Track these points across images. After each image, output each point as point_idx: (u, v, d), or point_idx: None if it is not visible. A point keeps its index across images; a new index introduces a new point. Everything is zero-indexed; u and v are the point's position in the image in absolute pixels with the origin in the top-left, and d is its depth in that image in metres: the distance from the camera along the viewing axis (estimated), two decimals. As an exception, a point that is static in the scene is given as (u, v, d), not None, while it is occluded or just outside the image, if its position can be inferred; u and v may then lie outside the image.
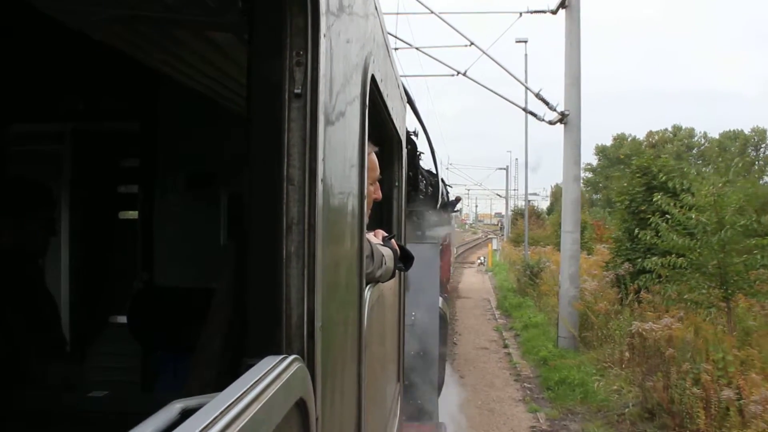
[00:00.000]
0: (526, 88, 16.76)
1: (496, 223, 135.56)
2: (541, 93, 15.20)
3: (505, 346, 17.26)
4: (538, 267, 25.01)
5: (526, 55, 31.73)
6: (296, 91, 1.34)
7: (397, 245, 2.95)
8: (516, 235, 54.24)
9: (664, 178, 14.65)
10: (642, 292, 14.37)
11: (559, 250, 33.78)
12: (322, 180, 1.40)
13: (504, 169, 68.20)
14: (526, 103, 19.88)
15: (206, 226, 4.49)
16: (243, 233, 1.38)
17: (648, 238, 13.23)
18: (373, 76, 2.18)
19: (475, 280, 37.16)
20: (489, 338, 18.60)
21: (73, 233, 4.56)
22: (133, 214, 4.69)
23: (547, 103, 15.18)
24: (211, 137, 4.20)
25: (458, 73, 16.47)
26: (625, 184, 17.96)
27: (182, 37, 2.55)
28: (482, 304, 25.80)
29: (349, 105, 1.81)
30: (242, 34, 2.54)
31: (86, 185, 4.62)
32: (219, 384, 1.72)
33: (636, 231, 14.48)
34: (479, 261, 43.56)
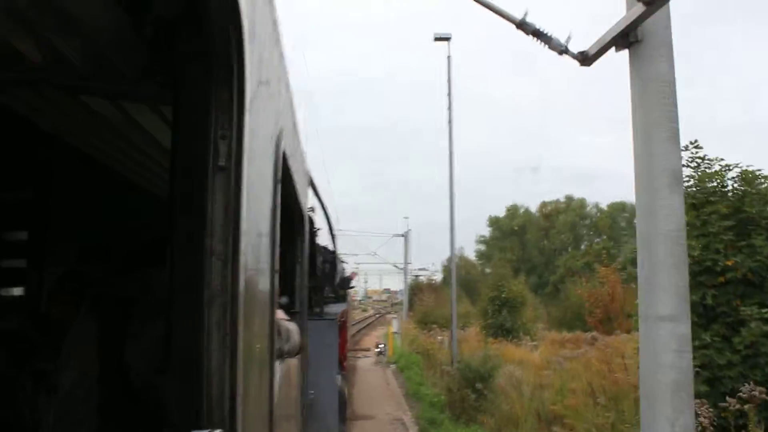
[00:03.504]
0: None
1: (385, 299, 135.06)
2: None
3: None
4: (486, 371, 15.52)
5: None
6: (220, 163, 1.36)
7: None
8: (422, 314, 44.67)
9: None
10: None
11: (491, 335, 28.15)
12: (243, 253, 1.41)
13: (402, 235, 61.13)
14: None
15: None
16: (166, 305, 1.36)
17: None
18: (284, 152, 2.22)
19: (375, 381, 24.53)
20: None
21: None
22: (18, 291, 4.41)
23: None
24: (108, 208, 4.08)
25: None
26: (696, 219, 8.97)
27: (93, 105, 2.52)
28: (395, 436, 14.57)
29: (266, 179, 1.84)
30: (156, 105, 2.56)
31: None
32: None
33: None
34: (378, 349, 32.44)
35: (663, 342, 5.17)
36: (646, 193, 5.46)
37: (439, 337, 29.77)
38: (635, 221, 5.88)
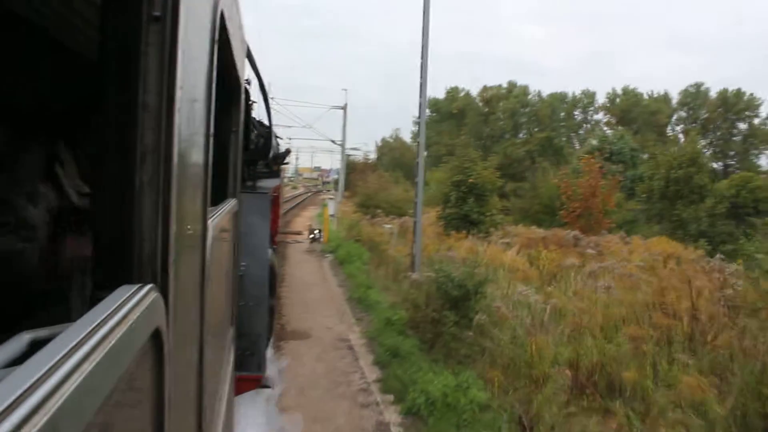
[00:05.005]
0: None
1: (316, 177, 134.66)
2: None
3: None
4: (474, 286, 10.59)
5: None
6: (155, 13, 1.29)
7: None
8: (365, 197, 39.34)
9: None
10: None
11: (453, 228, 24.25)
12: (178, 109, 1.37)
13: (341, 108, 53.93)
14: None
15: None
16: (96, 161, 1.33)
17: None
18: (222, 12, 2.12)
19: (309, 277, 19.30)
20: None
21: None
22: None
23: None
24: (33, 70, 3.86)
25: None
26: None
27: None
28: (342, 367, 10.36)
29: (203, 37, 1.77)
30: None
31: None
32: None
33: None
34: (312, 235, 26.98)
35: None
36: None
37: (387, 226, 26.51)
38: None
